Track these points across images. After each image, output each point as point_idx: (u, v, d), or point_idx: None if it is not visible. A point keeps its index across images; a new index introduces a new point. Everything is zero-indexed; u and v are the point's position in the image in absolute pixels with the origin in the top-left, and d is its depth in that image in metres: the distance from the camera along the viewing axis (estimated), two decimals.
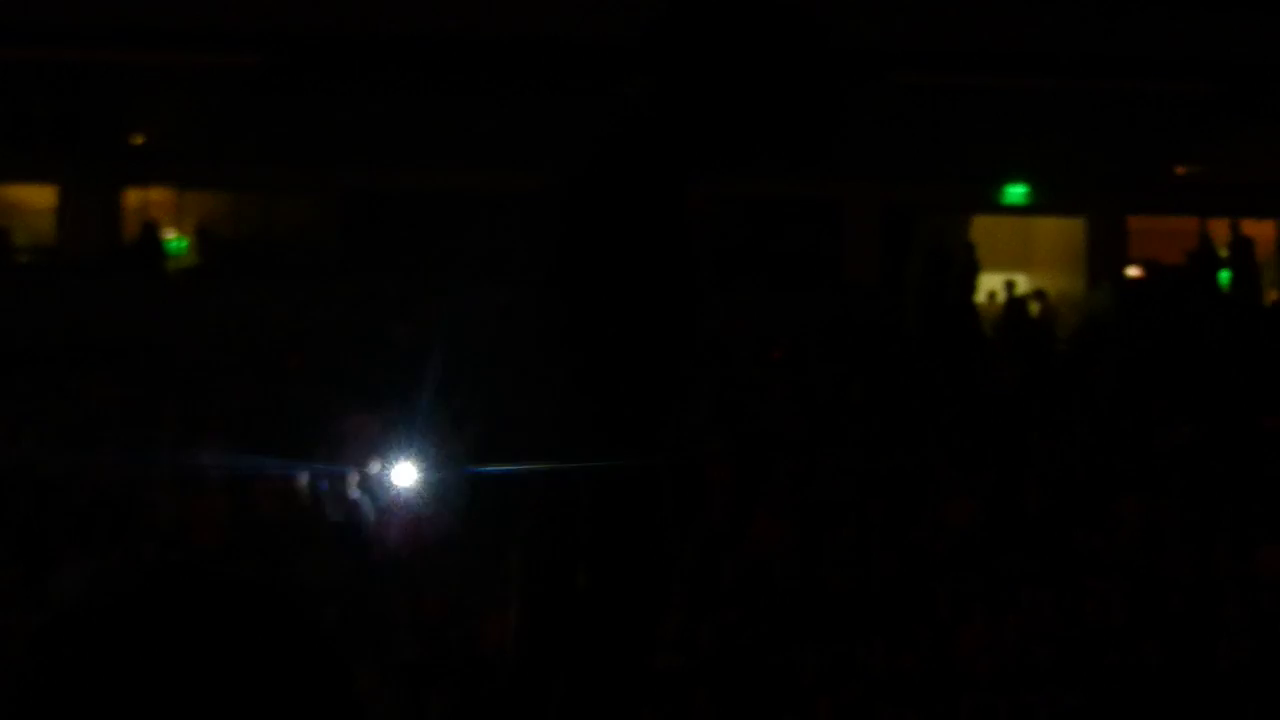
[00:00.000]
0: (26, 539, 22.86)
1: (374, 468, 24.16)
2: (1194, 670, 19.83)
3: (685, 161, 5.63)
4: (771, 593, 20.65)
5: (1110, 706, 19.26)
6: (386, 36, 30.65)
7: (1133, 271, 34.85)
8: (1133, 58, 31.58)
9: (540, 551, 5.88)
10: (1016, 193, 34.21)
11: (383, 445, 25.63)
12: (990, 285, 33.37)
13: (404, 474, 22.24)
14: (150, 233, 34.08)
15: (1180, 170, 35.74)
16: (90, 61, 31.65)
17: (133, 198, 35.21)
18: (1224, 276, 34.09)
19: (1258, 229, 34.30)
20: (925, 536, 22.31)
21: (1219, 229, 34.47)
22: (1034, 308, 32.88)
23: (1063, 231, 35.11)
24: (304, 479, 24.61)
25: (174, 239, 34.84)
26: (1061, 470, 24.21)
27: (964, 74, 31.87)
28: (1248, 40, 30.62)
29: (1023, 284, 33.99)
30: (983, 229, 35.06)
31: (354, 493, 23.72)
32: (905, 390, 26.99)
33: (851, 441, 24.76)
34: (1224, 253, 34.20)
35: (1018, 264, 34.71)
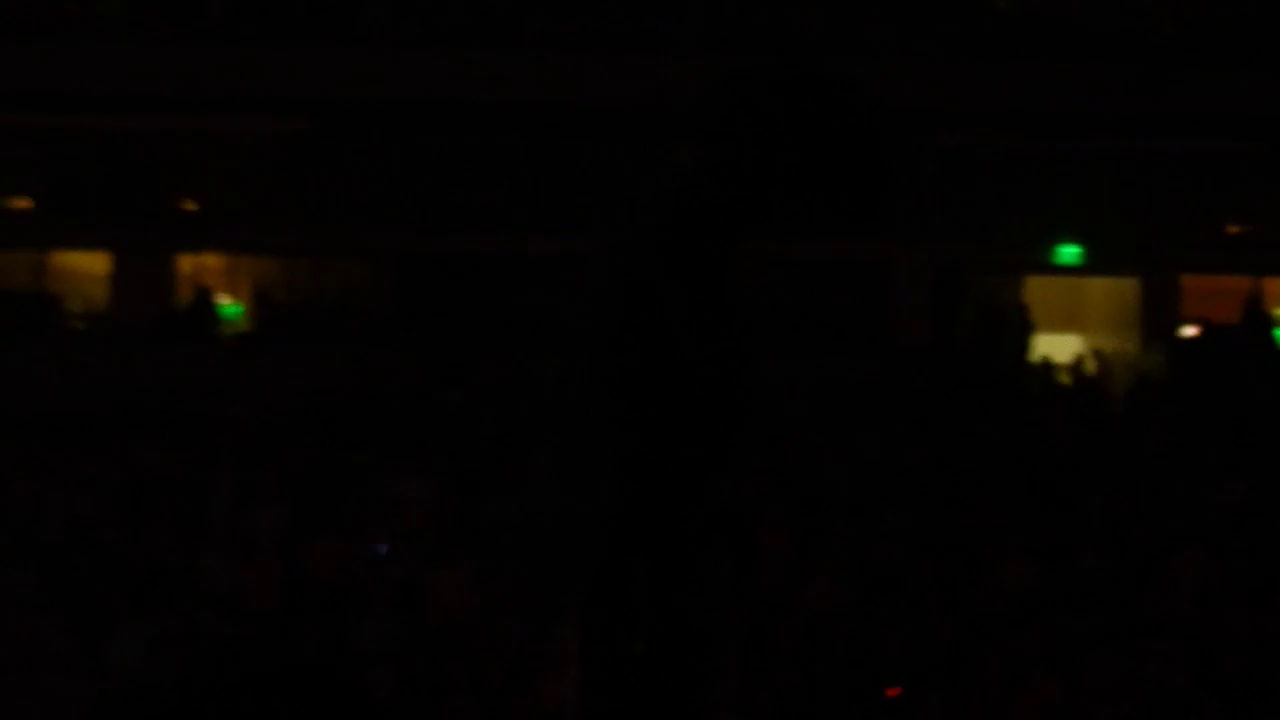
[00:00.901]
0: (83, 605, 22.92)
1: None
2: None
3: (735, 225, 5.66)
4: (828, 655, 20.56)
5: None
6: (436, 101, 30.82)
7: (1187, 330, 34.67)
8: (1184, 116, 31.54)
9: (599, 616, 5.88)
10: (1069, 253, 34.09)
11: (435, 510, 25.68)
12: (1046, 347, 33.24)
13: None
14: (204, 298, 34.20)
15: (1232, 229, 35.61)
16: (143, 129, 31.89)
17: (186, 264, 35.34)
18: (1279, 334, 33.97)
19: None
20: (982, 598, 22.21)
21: (1272, 287, 34.35)
22: (1090, 367, 32.75)
23: (1116, 291, 34.98)
24: (361, 543, 24.65)
25: (228, 304, 34.94)
26: (1117, 528, 24.10)
27: (1016, 134, 31.86)
28: None
29: (1076, 344, 33.86)
30: (1037, 289, 34.94)
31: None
32: (959, 451, 26.91)
33: (906, 504, 24.68)
34: (1279, 311, 34.09)
35: (1072, 324, 34.59)
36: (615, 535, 6.00)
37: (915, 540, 23.65)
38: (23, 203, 34.72)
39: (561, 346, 7.21)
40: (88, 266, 35.38)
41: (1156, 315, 34.08)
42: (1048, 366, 32.87)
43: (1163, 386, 31.26)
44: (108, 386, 29.38)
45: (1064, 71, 31.27)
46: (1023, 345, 32.75)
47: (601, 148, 27.88)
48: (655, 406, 5.70)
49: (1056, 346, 33.49)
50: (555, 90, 30.09)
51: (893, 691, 19.88)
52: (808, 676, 19.83)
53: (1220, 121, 31.55)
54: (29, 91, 31.30)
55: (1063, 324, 34.17)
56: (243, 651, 21.74)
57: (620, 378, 5.66)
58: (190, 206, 35.22)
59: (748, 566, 20.86)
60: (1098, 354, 32.83)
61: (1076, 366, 32.63)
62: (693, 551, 5.93)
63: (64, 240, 34.81)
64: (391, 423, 28.48)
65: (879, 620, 21.33)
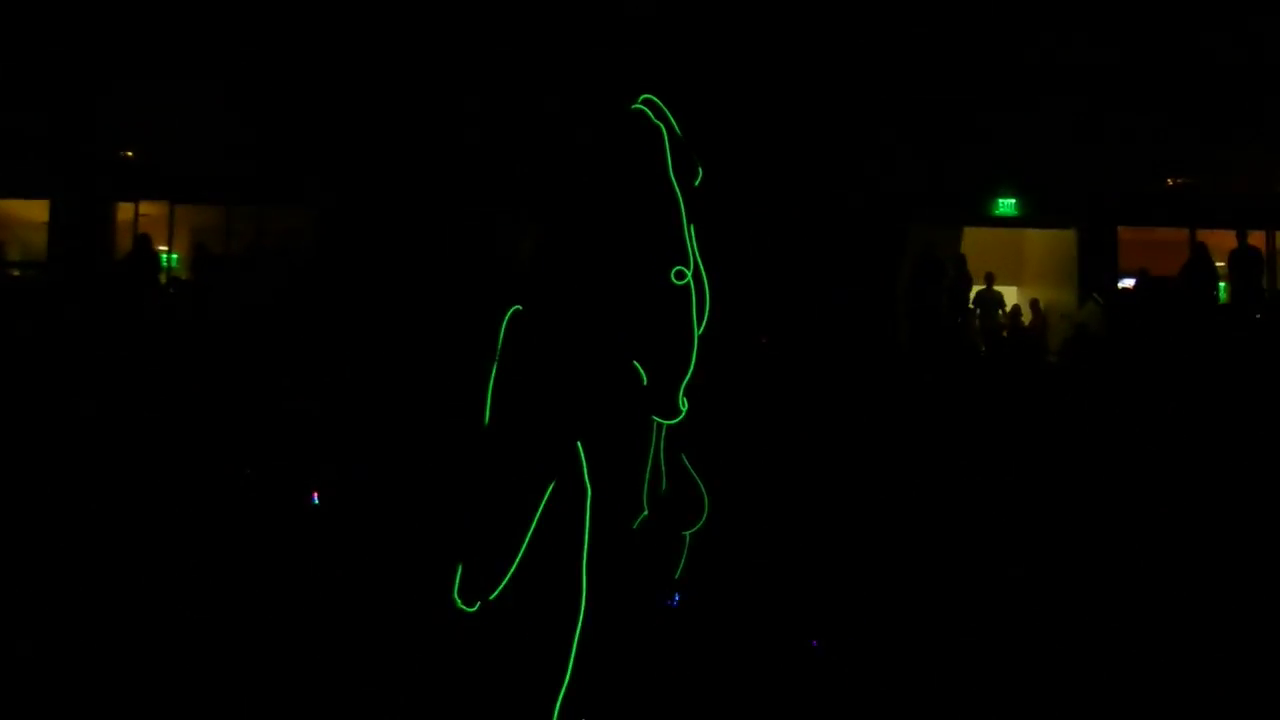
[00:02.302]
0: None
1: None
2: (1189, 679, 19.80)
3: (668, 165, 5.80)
4: (759, 599, 20.63)
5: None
6: (372, 51, 30.78)
7: (1125, 282, 34.87)
8: (1123, 69, 31.67)
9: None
10: (1007, 205, 34.28)
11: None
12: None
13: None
14: (144, 245, 34.15)
15: (1171, 182, 35.82)
16: (82, 77, 31.75)
17: (125, 211, 35.29)
18: (1222, 289, 34.20)
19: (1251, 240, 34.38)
20: (913, 547, 22.31)
21: (1212, 239, 34.56)
22: (1026, 318, 32.95)
23: (1054, 243, 35.16)
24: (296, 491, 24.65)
25: (165, 252, 34.92)
26: (1050, 479, 24.23)
27: (955, 87, 31.95)
28: (1238, 51, 30.71)
29: (1014, 296, 34.09)
30: (974, 241, 35.14)
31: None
32: (893, 401, 27.02)
33: (838, 449, 24.76)
34: (1220, 264, 34.29)
35: (1010, 276, 34.79)
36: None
37: (846, 487, 23.75)
38: None
39: (497, 297, 7.33)
40: (26, 214, 35.31)
41: (1094, 267, 34.28)
42: (985, 317, 33.10)
43: (1100, 338, 31.43)
44: (45, 333, 29.31)
45: (1004, 25, 31.35)
46: (961, 297, 32.93)
47: (539, 104, 27.82)
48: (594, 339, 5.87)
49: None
50: (484, 40, 30.14)
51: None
52: (733, 627, 19.89)
53: (1159, 75, 31.70)
54: None
55: (1001, 276, 34.34)
56: None
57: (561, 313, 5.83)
58: (129, 155, 35.15)
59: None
60: (1034, 305, 33.02)
61: (1013, 317, 32.85)
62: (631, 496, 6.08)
63: (2, 188, 34.71)
64: (321, 368, 28.47)
65: (803, 571, 21.42)
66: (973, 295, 33.19)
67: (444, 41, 30.35)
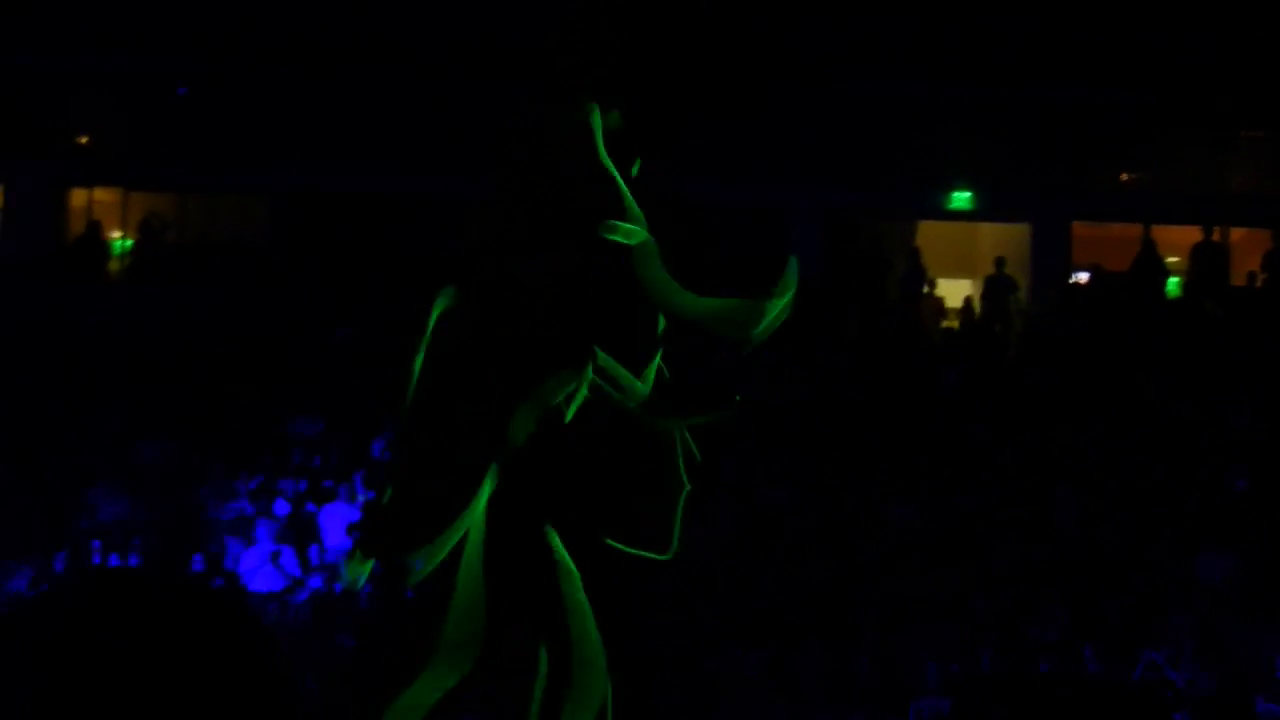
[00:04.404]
0: None
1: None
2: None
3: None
4: (710, 594, 20.67)
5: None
6: (327, 42, 30.71)
7: (1079, 277, 34.89)
8: (1077, 66, 31.75)
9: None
10: (961, 199, 34.28)
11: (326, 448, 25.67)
12: (938, 292, 33.42)
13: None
14: (94, 232, 34.02)
15: (1124, 177, 35.90)
16: (36, 64, 31.61)
17: (78, 198, 35.11)
18: (1172, 283, 34.29)
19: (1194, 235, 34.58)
20: (866, 539, 22.38)
21: (1163, 235, 34.68)
22: (978, 310, 32.95)
23: (1008, 237, 35.16)
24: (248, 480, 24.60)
25: (119, 239, 34.74)
26: (1004, 472, 24.33)
27: (910, 82, 32.00)
28: (1190, 50, 30.84)
29: (968, 289, 34.05)
30: (928, 235, 35.14)
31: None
32: (847, 392, 27.07)
33: (792, 443, 24.81)
34: (1171, 259, 34.39)
35: (963, 270, 34.77)
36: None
37: (798, 481, 23.80)
38: None
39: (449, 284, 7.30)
40: None
41: (1047, 262, 34.31)
42: (938, 311, 33.11)
43: (1052, 332, 31.49)
44: None
45: (958, 20, 31.42)
46: (914, 290, 32.94)
47: (488, 89, 27.73)
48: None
49: (948, 291, 33.72)
50: (443, 32, 30.10)
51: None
52: (689, 616, 19.94)
53: (1113, 72, 31.78)
54: None
55: (955, 270, 34.34)
56: (131, 582, 21.69)
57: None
58: (83, 141, 34.99)
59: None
60: (986, 299, 33.01)
61: (965, 311, 32.87)
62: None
63: None
64: (281, 361, 28.40)
65: (761, 561, 21.47)
66: (983, 281, 33.18)
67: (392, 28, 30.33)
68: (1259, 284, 33.43)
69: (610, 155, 7.13)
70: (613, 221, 7.04)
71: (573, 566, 7.22)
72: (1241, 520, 23.01)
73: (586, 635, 7.12)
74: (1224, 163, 35.16)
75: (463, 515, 7.05)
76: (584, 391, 7.12)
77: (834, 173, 32.81)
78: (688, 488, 7.57)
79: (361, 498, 23.26)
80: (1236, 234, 35.55)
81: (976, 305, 32.96)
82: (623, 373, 7.20)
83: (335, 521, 23.10)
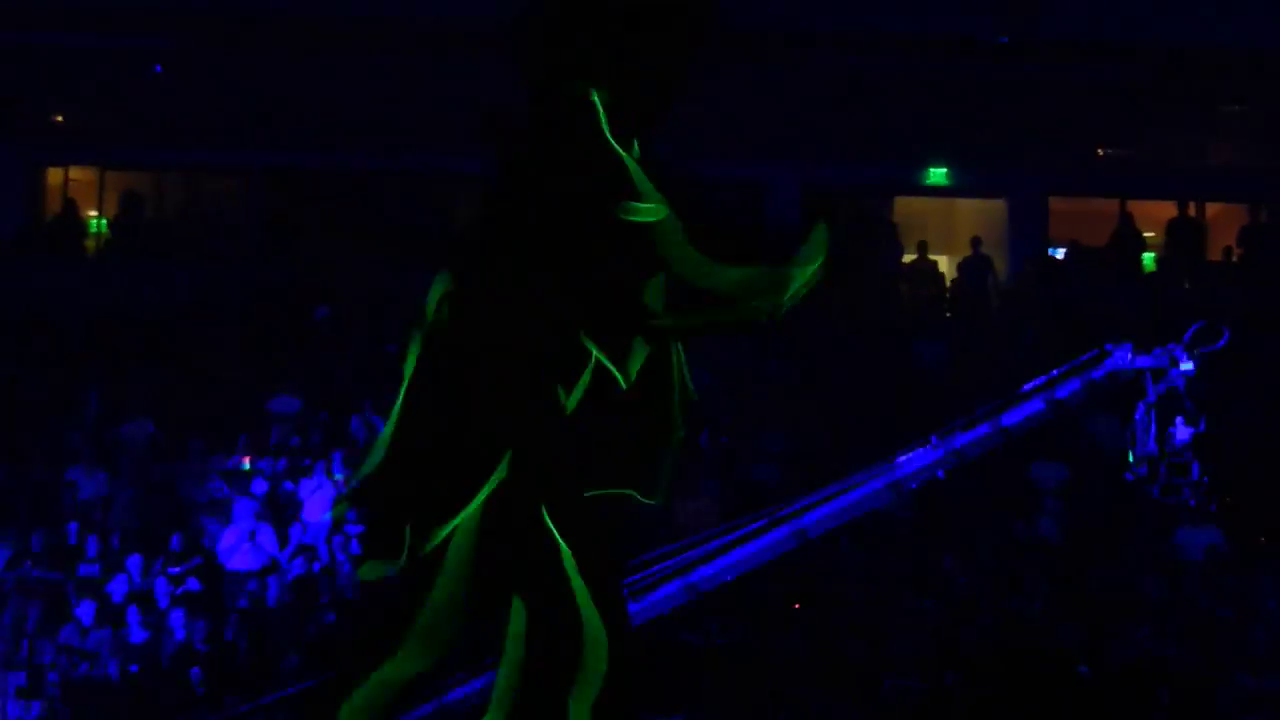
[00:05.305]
0: None
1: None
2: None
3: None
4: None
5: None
6: (306, 18, 30.59)
7: (1055, 252, 34.92)
8: (1055, 41, 31.71)
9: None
10: (937, 174, 34.26)
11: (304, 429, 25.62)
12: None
13: None
14: (71, 211, 33.89)
15: (1101, 152, 35.91)
16: (9, 42, 31.43)
17: (54, 176, 34.97)
18: (1148, 258, 34.37)
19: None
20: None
21: (1139, 210, 34.75)
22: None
23: (984, 212, 35.15)
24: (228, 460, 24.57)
25: (95, 218, 34.60)
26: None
27: (887, 57, 31.95)
28: (1169, 25, 30.83)
29: (945, 265, 34.05)
30: (905, 210, 35.15)
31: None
32: (829, 368, 27.08)
33: (776, 419, 24.82)
34: (1147, 234, 34.46)
35: (941, 245, 34.75)
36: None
37: (786, 457, 23.81)
38: None
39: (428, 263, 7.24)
40: None
41: (1024, 237, 34.32)
42: (917, 287, 33.12)
43: (1029, 306, 31.53)
44: None
45: None
46: (891, 265, 32.97)
47: (467, 65, 27.63)
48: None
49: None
50: (422, 8, 30.00)
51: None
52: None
53: (1091, 47, 31.74)
54: None
55: (933, 245, 34.30)
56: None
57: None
58: (59, 120, 34.86)
59: None
60: (962, 278, 33.01)
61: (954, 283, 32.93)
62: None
63: None
64: (261, 339, 28.35)
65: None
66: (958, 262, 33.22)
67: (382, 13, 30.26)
68: (1235, 259, 33.54)
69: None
70: (631, 203, 6.94)
71: (568, 550, 7.17)
72: (1220, 493, 23.03)
73: (590, 616, 7.08)
74: (1201, 138, 35.20)
75: (468, 504, 6.99)
76: (586, 380, 7.06)
77: (812, 147, 32.76)
78: (681, 433, 7.48)
79: (340, 475, 23.21)
80: (1213, 209, 35.61)
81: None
82: (614, 369, 7.14)
83: (314, 499, 23.06)
